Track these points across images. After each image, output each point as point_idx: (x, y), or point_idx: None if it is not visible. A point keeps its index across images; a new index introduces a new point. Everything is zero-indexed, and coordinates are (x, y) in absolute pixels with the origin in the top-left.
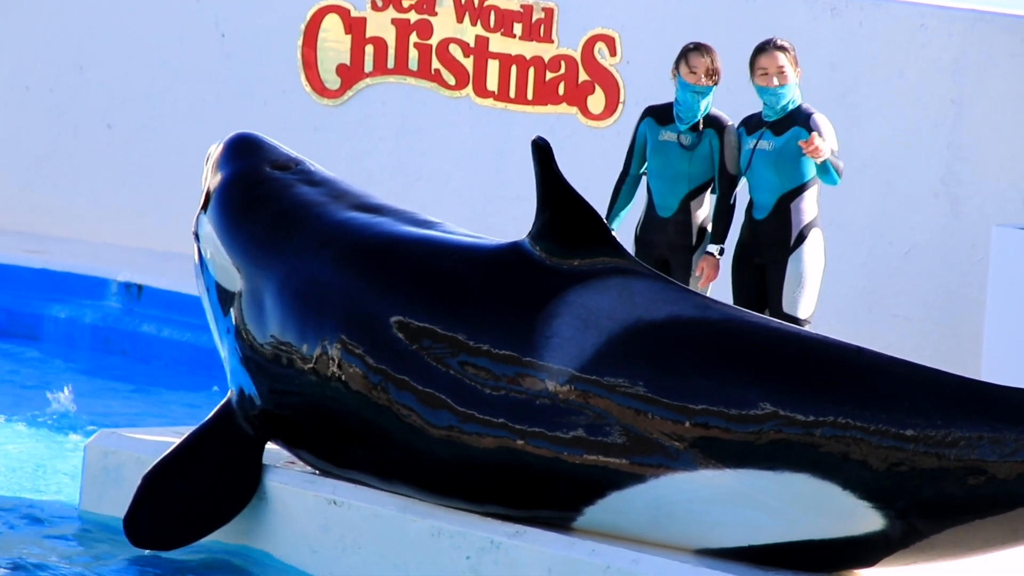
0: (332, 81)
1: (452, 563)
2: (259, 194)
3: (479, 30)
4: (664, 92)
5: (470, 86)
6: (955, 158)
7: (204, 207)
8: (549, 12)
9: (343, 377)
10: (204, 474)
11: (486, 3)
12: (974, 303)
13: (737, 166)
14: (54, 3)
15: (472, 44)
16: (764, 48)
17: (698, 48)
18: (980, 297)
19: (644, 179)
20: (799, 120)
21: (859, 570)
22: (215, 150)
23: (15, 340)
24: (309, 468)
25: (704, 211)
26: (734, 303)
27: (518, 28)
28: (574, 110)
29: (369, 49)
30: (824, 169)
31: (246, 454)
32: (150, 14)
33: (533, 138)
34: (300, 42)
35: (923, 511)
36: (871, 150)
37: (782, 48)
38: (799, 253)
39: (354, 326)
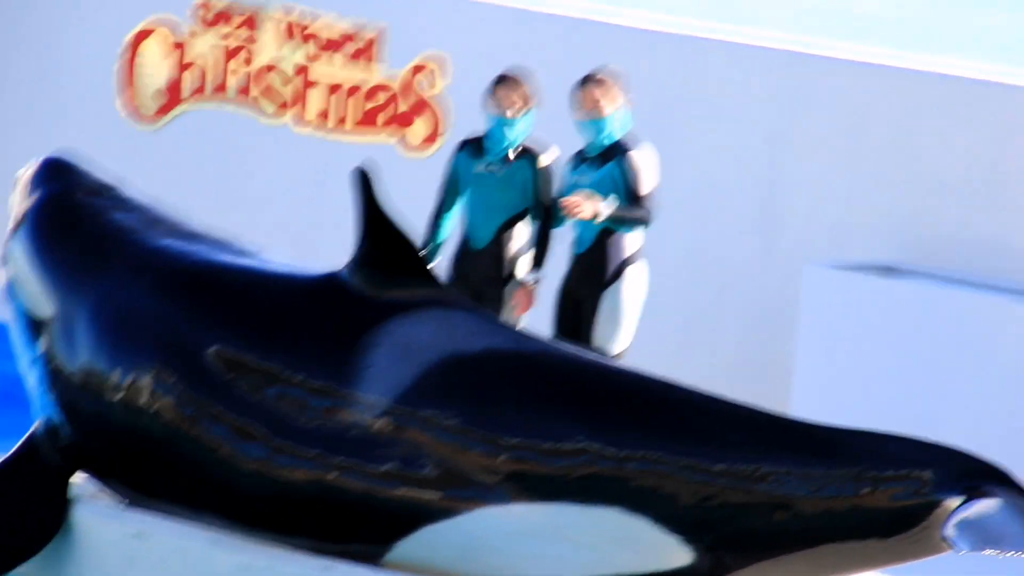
0: (149, 105)
1: None
2: (72, 219)
3: (301, 55)
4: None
5: (291, 113)
6: (769, 197)
7: (14, 230)
8: (376, 36)
9: (155, 406)
10: (8, 508)
11: (310, 28)
12: (785, 339)
13: (551, 196)
14: None
15: (293, 70)
16: (582, 82)
17: (505, 80)
18: (791, 334)
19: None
20: (617, 156)
21: None
22: (24, 173)
23: None
24: (118, 499)
25: (517, 243)
26: (554, 334)
27: (340, 54)
28: (395, 139)
29: (188, 74)
30: (614, 222)
31: (51, 486)
32: None
33: (355, 167)
34: (118, 65)
35: (731, 546)
36: (689, 187)
37: (598, 82)
38: (616, 288)
39: (168, 355)
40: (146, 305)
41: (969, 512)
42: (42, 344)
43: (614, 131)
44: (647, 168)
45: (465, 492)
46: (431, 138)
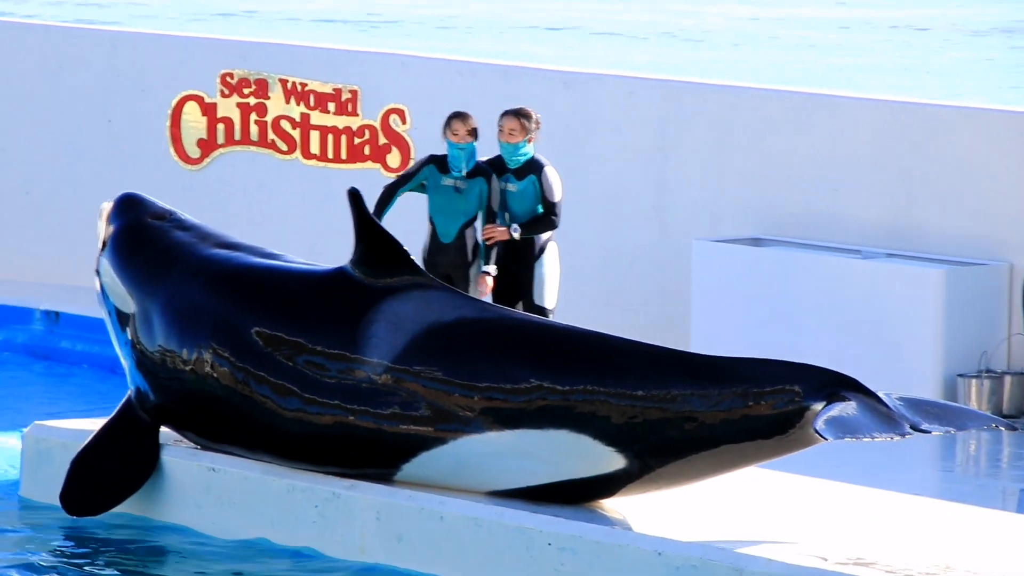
0: (194, 151)
1: (304, 511)
2: (143, 238)
3: (303, 108)
4: (443, 149)
5: (298, 151)
6: (662, 190)
7: (102, 250)
8: (355, 93)
9: (214, 375)
10: (116, 454)
11: (307, 88)
12: (683, 299)
13: (497, 204)
14: None
15: (298, 119)
16: (503, 113)
17: (458, 115)
18: (687, 294)
19: (427, 211)
20: (534, 170)
21: (604, 499)
22: (107, 206)
23: None
24: (193, 445)
25: (474, 237)
26: (494, 300)
27: (332, 106)
28: (377, 166)
29: (220, 126)
30: (528, 233)
31: (145, 437)
32: (51, 104)
33: (348, 188)
34: (168, 123)
35: (653, 451)
36: (600, 186)
37: (516, 114)
38: (541, 261)
39: (220, 336)
40: (202, 299)
41: (831, 412)
42: (129, 333)
43: (530, 150)
44: (557, 182)
45: (450, 425)
46: (404, 163)
